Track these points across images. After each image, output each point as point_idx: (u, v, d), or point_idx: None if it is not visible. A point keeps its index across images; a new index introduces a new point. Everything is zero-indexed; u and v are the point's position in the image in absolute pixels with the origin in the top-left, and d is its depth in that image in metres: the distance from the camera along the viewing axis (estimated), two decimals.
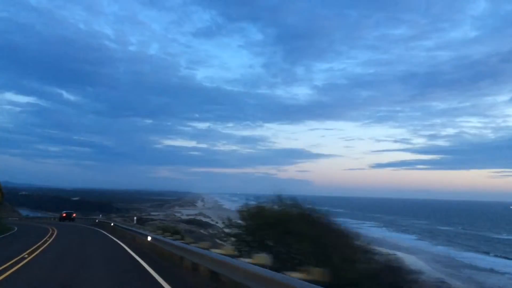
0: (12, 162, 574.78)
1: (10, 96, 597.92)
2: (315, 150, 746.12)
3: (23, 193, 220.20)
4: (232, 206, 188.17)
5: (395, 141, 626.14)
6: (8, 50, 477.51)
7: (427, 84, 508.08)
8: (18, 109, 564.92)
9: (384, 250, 46.57)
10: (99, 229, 42.24)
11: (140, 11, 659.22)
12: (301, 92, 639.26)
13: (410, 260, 42.42)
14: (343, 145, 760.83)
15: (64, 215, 65.55)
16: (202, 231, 53.87)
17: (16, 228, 42.38)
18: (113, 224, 41.37)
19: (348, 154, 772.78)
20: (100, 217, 64.06)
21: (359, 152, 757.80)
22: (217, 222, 78.53)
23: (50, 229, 39.16)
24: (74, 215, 67.15)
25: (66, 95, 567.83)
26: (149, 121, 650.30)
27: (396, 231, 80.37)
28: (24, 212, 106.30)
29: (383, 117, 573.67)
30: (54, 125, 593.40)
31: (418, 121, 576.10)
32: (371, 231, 77.32)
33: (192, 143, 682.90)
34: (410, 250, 50.27)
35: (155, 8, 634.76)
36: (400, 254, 47.30)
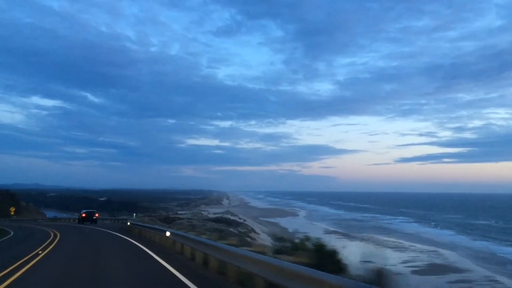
0: (41, 165, 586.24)
1: (36, 100, 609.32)
2: (338, 146, 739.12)
3: (51, 194, 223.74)
4: (258, 203, 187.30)
5: (421, 135, 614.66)
6: (34, 55, 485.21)
7: (452, 75, 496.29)
8: (44, 112, 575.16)
9: (422, 246, 44.11)
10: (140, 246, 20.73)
11: (160, 12, 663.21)
12: (323, 88, 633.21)
13: (453, 258, 40.39)
14: (367, 140, 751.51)
15: (84, 215, 53.86)
16: (231, 229, 52.38)
17: (11, 233, 35.13)
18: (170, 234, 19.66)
19: (372, 149, 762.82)
20: (133, 219, 47.09)
21: (383, 146, 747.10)
22: (245, 220, 77.21)
23: (52, 234, 30.24)
24: (96, 215, 55.94)
25: (90, 97, 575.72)
26: (172, 121, 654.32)
27: (429, 226, 77.60)
28: (51, 213, 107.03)
29: (407, 110, 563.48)
30: (80, 127, 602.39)
31: (443, 114, 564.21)
32: (403, 227, 75.00)
33: (215, 142, 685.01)
34: (449, 246, 47.90)
35: (175, 9, 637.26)
36: (440, 250, 45.40)
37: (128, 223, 39.75)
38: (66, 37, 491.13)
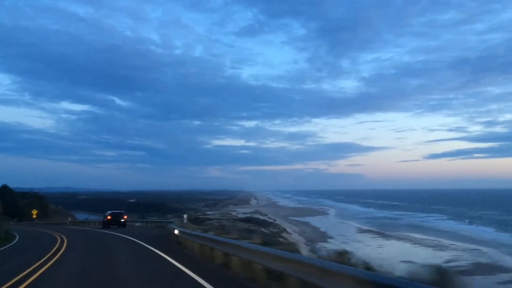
0: (71, 168, 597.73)
1: (66, 105, 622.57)
2: (365, 143, 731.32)
3: (82, 197, 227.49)
4: (286, 203, 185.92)
5: (450, 130, 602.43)
6: (61, 61, 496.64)
7: (480, 69, 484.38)
8: (74, 117, 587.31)
9: (462, 244, 41.91)
10: None
11: (183, 15, 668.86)
12: (348, 85, 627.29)
13: (498, 256, 38.21)
14: (394, 137, 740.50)
15: (109, 217, 44.03)
16: (263, 229, 51.28)
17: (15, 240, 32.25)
18: None
19: (400, 146, 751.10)
20: (184, 224, 33.06)
21: (411, 143, 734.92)
22: (274, 220, 75.99)
23: (57, 242, 25.67)
24: (125, 217, 45.38)
25: (118, 101, 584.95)
26: (197, 122, 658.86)
27: (464, 223, 74.87)
28: (82, 215, 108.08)
29: (435, 105, 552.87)
30: (109, 130, 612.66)
31: (473, 108, 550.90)
32: (438, 225, 72.56)
33: (240, 142, 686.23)
34: (490, 244, 45.65)
35: (198, 11, 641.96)
36: (482, 248, 43.23)
37: (176, 232, 24.13)
38: (92, 42, 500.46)
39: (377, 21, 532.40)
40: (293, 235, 51.16)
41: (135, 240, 25.99)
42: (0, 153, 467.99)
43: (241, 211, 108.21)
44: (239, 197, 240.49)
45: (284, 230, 55.66)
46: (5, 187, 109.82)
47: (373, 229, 63.45)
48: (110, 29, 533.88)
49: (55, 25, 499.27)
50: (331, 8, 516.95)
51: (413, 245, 45.28)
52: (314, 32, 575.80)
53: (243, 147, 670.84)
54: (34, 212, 78.77)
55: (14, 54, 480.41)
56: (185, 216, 40.87)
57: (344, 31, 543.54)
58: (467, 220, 79.42)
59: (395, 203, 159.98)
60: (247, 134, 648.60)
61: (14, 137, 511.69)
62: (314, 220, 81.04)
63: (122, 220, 44.73)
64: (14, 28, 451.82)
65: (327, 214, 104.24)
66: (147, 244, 22.64)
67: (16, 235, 37.59)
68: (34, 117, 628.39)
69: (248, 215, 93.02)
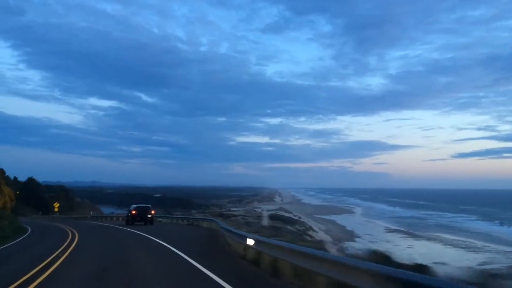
0: (99, 163, 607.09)
1: (94, 101, 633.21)
2: (391, 142, 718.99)
3: (109, 191, 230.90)
4: (311, 200, 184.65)
5: (479, 129, 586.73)
6: (90, 57, 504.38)
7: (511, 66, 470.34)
8: (101, 113, 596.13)
9: (495, 246, 40.36)
10: None
11: (209, 11, 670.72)
12: (375, 82, 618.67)
13: None
14: (421, 135, 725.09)
15: (134, 212, 37.98)
16: (288, 227, 50.56)
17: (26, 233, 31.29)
18: None
19: (427, 144, 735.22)
20: (264, 225, 29.60)
21: (439, 141, 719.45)
22: (300, 217, 75.21)
23: (62, 245, 19.27)
24: (152, 212, 39.16)
25: (144, 97, 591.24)
26: (222, 119, 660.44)
27: (497, 224, 72.61)
28: (108, 209, 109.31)
29: (464, 103, 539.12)
30: (135, 126, 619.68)
31: (503, 107, 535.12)
32: (468, 225, 70.47)
33: (265, 139, 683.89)
34: None
35: (224, 7, 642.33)
36: None
37: (250, 242, 13.09)
38: (120, 39, 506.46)
39: (405, 18, 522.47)
40: (319, 234, 50.36)
41: (172, 248, 17.13)
42: (30, 147, 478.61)
43: (265, 208, 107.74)
44: (263, 194, 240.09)
45: (310, 228, 54.88)
46: (31, 179, 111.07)
47: (402, 228, 62.04)
48: (137, 26, 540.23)
49: (84, 22, 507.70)
50: (358, 4, 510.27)
51: (445, 246, 43.96)
52: (340, 29, 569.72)
53: (267, 144, 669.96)
54: (56, 205, 76.41)
55: (45, 50, 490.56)
56: (264, 214, 34.98)
57: (371, 27, 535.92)
58: (497, 221, 77.04)
59: (422, 202, 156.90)
60: (271, 131, 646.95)
61: (44, 132, 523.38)
62: (340, 219, 79.88)
63: (149, 216, 37.80)
64: (44, 25, 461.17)
65: (353, 212, 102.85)
66: (194, 260, 13.33)
67: (27, 230, 34.18)
68: (63, 113, 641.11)
69: (273, 212, 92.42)
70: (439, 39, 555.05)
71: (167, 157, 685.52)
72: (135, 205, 39.55)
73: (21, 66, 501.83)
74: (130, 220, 37.85)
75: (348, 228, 61.38)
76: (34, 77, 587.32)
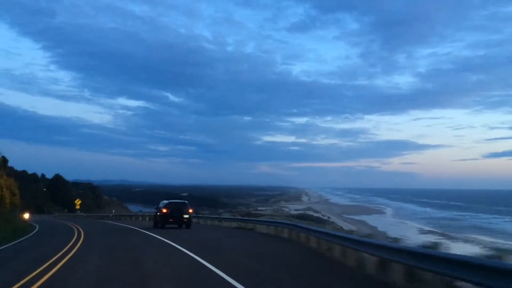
0: (127, 162, 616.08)
1: (122, 101, 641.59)
2: (420, 141, 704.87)
3: (137, 189, 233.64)
4: (338, 200, 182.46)
5: (511, 128, 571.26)
6: (119, 58, 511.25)
7: None
8: (130, 112, 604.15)
9: None
10: None
11: (235, 11, 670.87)
12: (403, 81, 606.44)
13: None
14: (452, 135, 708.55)
15: (166, 210, 28.92)
16: None
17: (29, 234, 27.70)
18: None
19: (458, 144, 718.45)
20: None
21: (470, 141, 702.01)
22: (329, 217, 73.70)
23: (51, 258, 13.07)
24: (190, 210, 29.63)
25: (171, 97, 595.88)
26: (248, 118, 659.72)
27: None
28: (136, 208, 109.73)
29: (496, 102, 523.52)
30: (162, 126, 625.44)
31: None
32: (506, 227, 67.51)
33: (291, 138, 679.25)
34: None
35: (250, 7, 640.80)
36: None
37: None
38: (147, 39, 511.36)
39: (434, 14, 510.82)
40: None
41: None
42: (61, 147, 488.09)
43: (293, 208, 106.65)
44: (290, 194, 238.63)
45: (341, 228, 53.22)
46: (58, 176, 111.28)
47: (436, 230, 59.81)
48: (165, 27, 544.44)
49: (113, 23, 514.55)
50: (386, 1, 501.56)
51: (484, 249, 41.70)
52: (368, 27, 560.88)
53: (293, 144, 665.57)
54: (78, 202, 71.28)
55: (75, 51, 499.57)
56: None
57: (399, 25, 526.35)
58: None
59: (453, 203, 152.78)
60: (297, 130, 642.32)
61: (74, 131, 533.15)
62: (370, 219, 77.96)
63: (186, 216, 28.31)
64: (74, 26, 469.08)
65: (384, 213, 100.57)
66: None
67: (29, 233, 28.84)
68: (93, 113, 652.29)
69: (301, 211, 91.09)
70: (470, 36, 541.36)
71: (193, 156, 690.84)
72: (166, 201, 29.78)
73: (52, 67, 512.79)
74: (160, 222, 28.90)
75: (380, 229, 59.44)
76: (65, 77, 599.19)
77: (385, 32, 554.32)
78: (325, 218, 70.62)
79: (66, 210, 73.87)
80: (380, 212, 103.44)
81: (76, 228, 31.76)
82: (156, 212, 30.64)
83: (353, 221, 72.60)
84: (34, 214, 77.38)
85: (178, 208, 28.65)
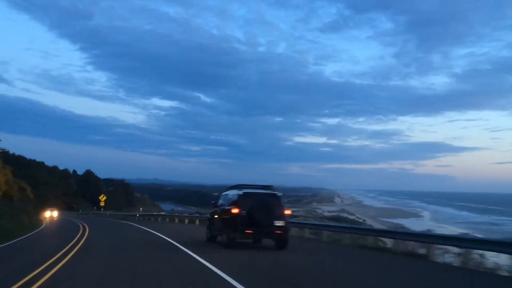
0: (160, 161, 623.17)
1: (156, 101, 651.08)
2: (456, 143, 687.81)
3: (169, 188, 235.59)
4: (372, 202, 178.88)
5: None
6: (153, 59, 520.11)
7: None
8: (163, 112, 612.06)
9: None
10: None
11: (267, 12, 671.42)
12: (438, 81, 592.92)
13: None
14: (488, 137, 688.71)
15: (237, 210, 14.72)
16: None
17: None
18: None
19: (495, 147, 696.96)
20: None
21: (507, 143, 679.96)
22: (364, 220, 71.48)
23: None
24: (287, 212, 15.50)
25: (203, 97, 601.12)
26: (279, 119, 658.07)
27: None
28: (168, 206, 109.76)
29: None
30: (194, 126, 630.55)
31: None
32: None
33: (322, 139, 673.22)
34: None
35: (282, 8, 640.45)
36: None
37: None
38: (181, 41, 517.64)
39: (471, 14, 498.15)
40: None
41: None
42: (96, 146, 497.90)
43: (326, 209, 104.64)
44: (322, 195, 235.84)
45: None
46: (88, 172, 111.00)
47: (477, 235, 56.88)
48: (197, 28, 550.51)
49: (148, 25, 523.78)
50: (421, 1, 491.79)
51: None
52: (402, 26, 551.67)
53: (324, 145, 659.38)
54: (102, 198, 62.71)
55: (110, 53, 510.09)
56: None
57: (435, 24, 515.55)
58: None
59: (492, 207, 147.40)
60: (329, 131, 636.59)
61: (109, 131, 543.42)
62: (407, 223, 75.10)
63: (280, 223, 14.97)
64: (110, 28, 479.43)
65: (421, 216, 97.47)
66: None
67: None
68: (127, 112, 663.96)
69: (335, 213, 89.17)
70: (509, 36, 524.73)
71: (224, 156, 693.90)
72: (238, 191, 15.56)
73: (88, 68, 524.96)
74: (224, 231, 16.05)
75: None
76: (101, 78, 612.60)
77: (420, 32, 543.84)
78: (361, 220, 68.52)
79: (95, 207, 68.14)
80: (417, 215, 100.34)
81: (82, 230, 26.52)
82: (214, 213, 17.60)
83: (390, 224, 70.11)
84: (63, 211, 76.47)
85: (265, 206, 14.92)
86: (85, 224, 34.55)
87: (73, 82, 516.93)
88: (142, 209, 66.35)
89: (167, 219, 41.84)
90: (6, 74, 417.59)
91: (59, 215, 58.98)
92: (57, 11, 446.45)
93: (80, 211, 77.81)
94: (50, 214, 54.53)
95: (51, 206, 62.27)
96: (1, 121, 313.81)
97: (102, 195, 64.78)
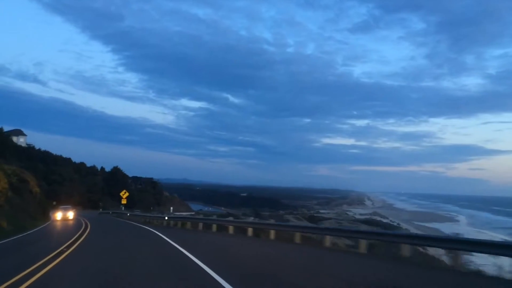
0: (188, 162, 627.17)
1: (185, 102, 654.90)
2: (490, 146, 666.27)
3: (198, 188, 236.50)
4: (404, 206, 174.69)
5: None
6: (182, 61, 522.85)
7: None
8: (191, 113, 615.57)
9: None
10: None
11: (296, 13, 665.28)
12: (472, 82, 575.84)
13: None
14: None
15: None
16: None
17: None
18: None
19: None
20: None
21: None
22: (398, 224, 69.12)
23: None
24: None
25: (231, 98, 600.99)
26: (307, 120, 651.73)
27: None
28: (197, 206, 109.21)
29: None
30: (222, 127, 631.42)
31: None
32: None
33: (350, 141, 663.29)
34: None
35: (311, 8, 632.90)
36: None
37: None
38: (209, 42, 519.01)
39: (507, 13, 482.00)
40: None
41: None
42: (126, 145, 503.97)
43: (357, 212, 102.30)
44: (352, 197, 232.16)
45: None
46: (116, 169, 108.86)
47: None
48: (226, 29, 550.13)
49: (178, 27, 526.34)
50: (454, 0, 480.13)
51: None
52: (435, 26, 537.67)
53: (353, 146, 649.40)
54: (124, 194, 53.20)
55: (141, 54, 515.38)
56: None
57: (468, 24, 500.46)
58: None
59: None
60: (357, 133, 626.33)
61: (139, 131, 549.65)
62: (443, 227, 72.45)
63: None
64: (141, 30, 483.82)
65: (456, 221, 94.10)
66: None
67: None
68: (157, 113, 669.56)
69: (367, 216, 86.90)
70: None
71: (252, 157, 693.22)
72: None
73: (120, 69, 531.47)
74: None
75: None
76: (132, 79, 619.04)
77: (453, 32, 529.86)
78: (395, 224, 66.26)
79: (122, 207, 60.64)
80: (452, 220, 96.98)
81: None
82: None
83: (425, 228, 67.64)
84: (86, 210, 74.48)
85: None
86: (82, 234, 22.42)
87: (105, 83, 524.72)
88: (172, 210, 53.28)
89: (213, 228, 26.04)
90: (41, 75, 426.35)
91: (77, 215, 47.21)
92: (89, 13, 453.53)
93: (101, 210, 75.38)
94: (63, 215, 42.05)
95: (67, 203, 51.47)
96: (37, 121, 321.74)
97: (124, 191, 54.75)
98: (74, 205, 55.46)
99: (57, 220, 39.31)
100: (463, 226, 78.77)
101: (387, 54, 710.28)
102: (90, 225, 31.65)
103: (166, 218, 35.58)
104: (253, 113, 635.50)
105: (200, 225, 28.28)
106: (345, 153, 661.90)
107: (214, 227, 26.24)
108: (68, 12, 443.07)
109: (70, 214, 42.33)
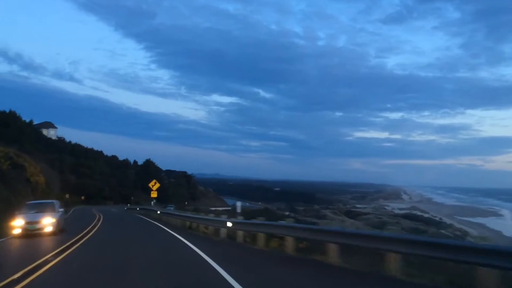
0: (220, 157, 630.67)
1: (216, 97, 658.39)
2: None
3: (230, 183, 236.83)
4: (443, 200, 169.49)
5: None
6: (213, 56, 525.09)
7: None
8: (222, 108, 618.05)
9: None
10: None
11: (327, 5, 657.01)
12: (510, 72, 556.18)
13: None
14: None
15: None
16: (434, 230, 43.14)
17: None
18: None
19: None
20: None
21: None
22: (441, 219, 66.30)
23: None
24: None
25: (262, 93, 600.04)
26: (339, 113, 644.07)
27: None
28: (231, 201, 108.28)
29: None
30: (253, 122, 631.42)
31: None
32: None
33: (384, 134, 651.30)
34: None
35: (342, 0, 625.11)
36: None
37: None
38: (240, 37, 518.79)
39: None
40: (476, 241, 42.00)
41: None
42: (160, 141, 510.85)
43: (395, 206, 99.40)
44: (387, 191, 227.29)
45: (467, 233, 46.52)
46: (148, 162, 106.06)
47: None
48: (256, 24, 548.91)
49: (208, 23, 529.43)
50: None
51: None
52: (470, 15, 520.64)
53: (387, 140, 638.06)
54: (154, 186, 44.43)
55: (173, 51, 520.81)
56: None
57: (506, 12, 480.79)
58: None
59: None
60: (391, 126, 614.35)
61: (172, 127, 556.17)
62: (488, 222, 69.25)
63: None
64: (172, 27, 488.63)
65: (501, 215, 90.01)
66: None
67: None
68: (189, 109, 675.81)
69: (406, 211, 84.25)
70: None
71: (284, 152, 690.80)
72: None
73: (152, 66, 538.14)
74: None
75: (506, 233, 51.77)
76: (164, 76, 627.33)
77: (490, 21, 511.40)
78: (437, 219, 63.52)
79: (153, 202, 53.23)
80: (496, 214, 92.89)
81: None
82: None
83: (470, 223, 64.71)
84: (115, 205, 71.77)
85: None
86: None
87: (138, 80, 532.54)
88: (239, 207, 27.68)
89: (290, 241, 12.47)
90: (77, 73, 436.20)
91: (96, 211, 40.35)
92: (122, 12, 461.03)
93: (129, 205, 68.11)
94: (28, 225, 18.75)
95: (79, 195, 41.08)
96: (73, 118, 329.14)
97: (154, 181, 45.40)
98: (85, 198, 39.87)
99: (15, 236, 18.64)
100: (508, 221, 75.28)
101: (421, 45, 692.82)
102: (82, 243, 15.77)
103: (230, 224, 17.71)
104: (284, 107, 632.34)
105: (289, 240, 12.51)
106: (378, 147, 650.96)
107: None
108: (101, 11, 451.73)
109: (46, 221, 19.21)
